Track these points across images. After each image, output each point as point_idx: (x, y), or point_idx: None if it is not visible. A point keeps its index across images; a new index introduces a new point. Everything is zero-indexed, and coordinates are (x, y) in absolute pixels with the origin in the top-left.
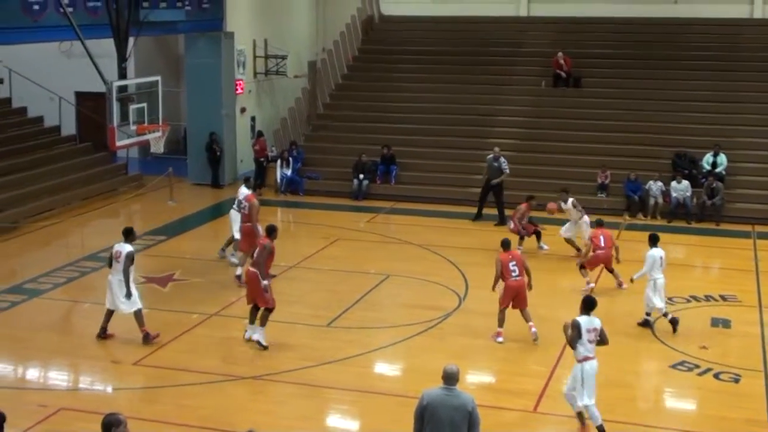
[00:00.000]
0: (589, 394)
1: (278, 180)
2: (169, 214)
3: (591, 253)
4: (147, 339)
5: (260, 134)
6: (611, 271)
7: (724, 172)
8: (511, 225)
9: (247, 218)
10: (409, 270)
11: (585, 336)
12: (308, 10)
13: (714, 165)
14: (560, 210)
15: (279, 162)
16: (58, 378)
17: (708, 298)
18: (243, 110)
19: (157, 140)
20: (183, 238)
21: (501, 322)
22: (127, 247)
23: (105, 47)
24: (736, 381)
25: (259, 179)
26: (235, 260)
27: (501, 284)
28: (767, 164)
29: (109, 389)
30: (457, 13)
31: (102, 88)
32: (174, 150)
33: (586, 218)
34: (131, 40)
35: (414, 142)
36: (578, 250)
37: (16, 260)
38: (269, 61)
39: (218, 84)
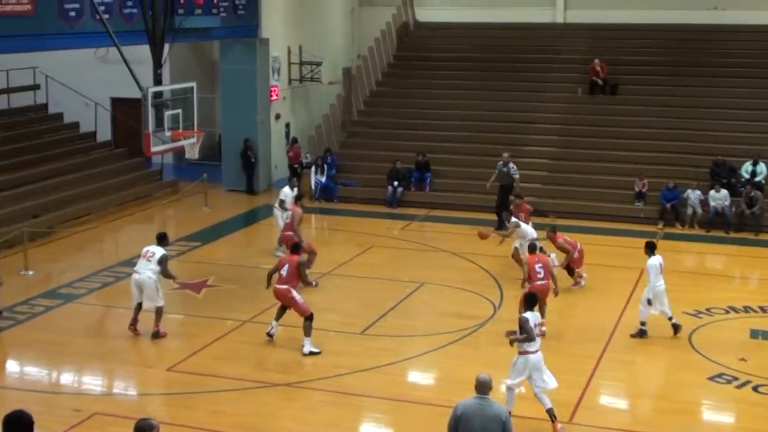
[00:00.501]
0: (514, 377)
1: (312, 187)
2: (203, 220)
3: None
4: (156, 335)
5: (294, 141)
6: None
7: (763, 181)
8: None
9: (289, 227)
10: (444, 278)
11: (534, 330)
12: (343, 17)
13: (753, 174)
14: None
15: (313, 168)
16: (93, 383)
17: (747, 309)
18: (277, 117)
19: (192, 146)
20: (217, 245)
21: None
22: (160, 250)
23: (140, 53)
24: None
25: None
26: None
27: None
28: None
29: (143, 394)
30: (493, 19)
31: (137, 94)
32: (208, 156)
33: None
34: (166, 46)
35: (449, 149)
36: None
37: (51, 265)
38: (304, 67)
39: (253, 90)
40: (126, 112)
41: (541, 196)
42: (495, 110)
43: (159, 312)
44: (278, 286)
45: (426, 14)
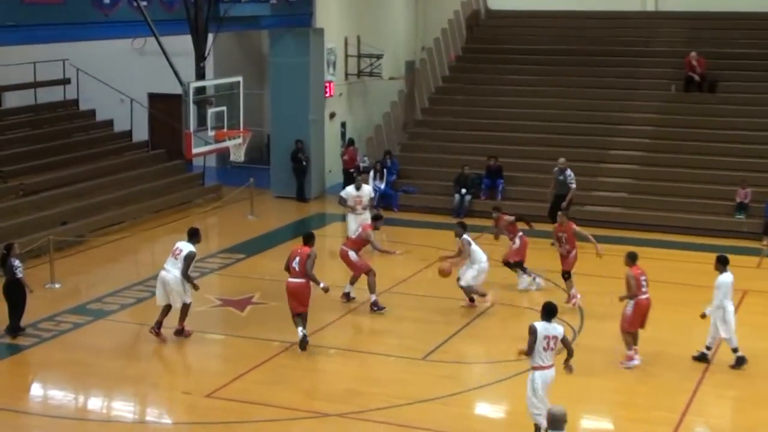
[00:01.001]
0: (536, 405)
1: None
2: (248, 230)
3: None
4: (180, 333)
5: (351, 142)
6: None
7: None
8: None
9: (355, 244)
10: (517, 298)
11: (540, 343)
12: (406, 5)
13: None
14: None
15: (371, 174)
16: (123, 409)
17: None
18: (332, 115)
19: (238, 148)
20: (263, 257)
21: (630, 344)
22: (188, 247)
23: (181, 44)
24: None
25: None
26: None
27: (627, 302)
28: None
29: (179, 423)
30: (575, 7)
31: (177, 90)
32: (255, 159)
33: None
34: (210, 36)
35: (523, 153)
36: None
37: (80, 278)
38: (362, 60)
39: (305, 86)
40: (165, 109)
41: (627, 206)
42: (576, 110)
43: (185, 309)
44: (292, 280)
45: (499, 1)
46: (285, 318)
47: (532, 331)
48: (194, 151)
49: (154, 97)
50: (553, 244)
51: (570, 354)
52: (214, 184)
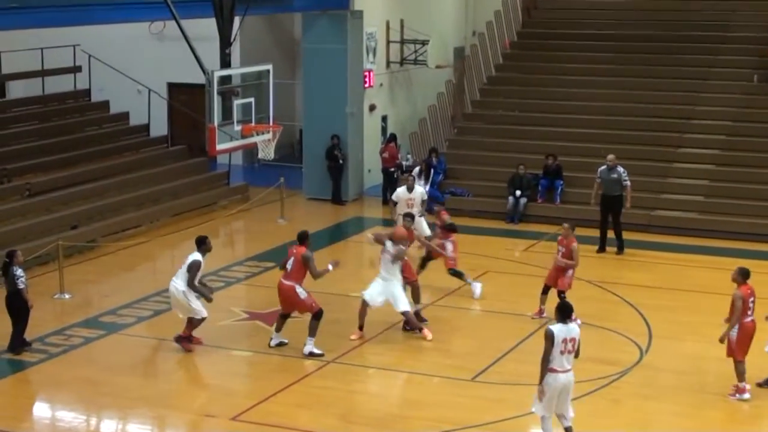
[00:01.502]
0: (545, 408)
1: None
2: (278, 235)
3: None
4: (179, 341)
5: (391, 138)
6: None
7: None
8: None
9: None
10: (578, 312)
11: (558, 347)
12: None
13: None
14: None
15: (416, 173)
16: None
17: None
18: (372, 108)
19: (267, 144)
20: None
21: (742, 374)
22: (193, 256)
23: (205, 29)
24: None
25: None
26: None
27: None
28: None
29: None
30: None
31: (200, 79)
32: (286, 156)
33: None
34: (237, 20)
35: (585, 150)
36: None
37: (92, 288)
38: (406, 47)
39: (342, 75)
40: (186, 101)
41: (701, 211)
42: (644, 103)
43: (195, 322)
44: (284, 281)
45: None
46: (320, 333)
47: (549, 337)
48: (218, 147)
49: (174, 87)
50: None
51: (576, 356)
52: (240, 184)
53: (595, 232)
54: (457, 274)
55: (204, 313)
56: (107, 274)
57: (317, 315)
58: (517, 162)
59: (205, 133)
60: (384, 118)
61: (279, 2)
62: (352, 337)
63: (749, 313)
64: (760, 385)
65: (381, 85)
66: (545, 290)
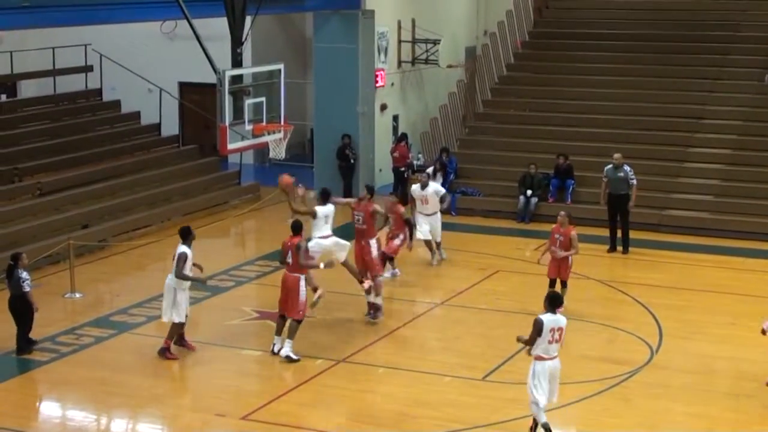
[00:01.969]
0: (540, 392)
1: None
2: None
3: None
4: (163, 353)
5: (402, 138)
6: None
7: None
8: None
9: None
10: (588, 312)
11: (546, 336)
12: None
13: None
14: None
15: (432, 172)
16: (150, 431)
17: None
18: (383, 107)
19: (278, 143)
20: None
21: None
22: (179, 249)
23: (216, 28)
24: None
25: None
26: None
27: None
28: None
29: None
30: None
31: (211, 79)
32: (298, 156)
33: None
34: (248, 19)
35: (596, 150)
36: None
37: (102, 287)
38: (417, 46)
39: (354, 74)
40: (197, 100)
41: (713, 211)
42: (655, 102)
43: (174, 329)
44: (288, 273)
45: None
46: (329, 333)
47: (538, 325)
48: (230, 146)
49: (185, 87)
50: (537, 248)
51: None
52: (251, 183)
53: (606, 232)
54: (390, 259)
55: (182, 317)
56: (118, 274)
57: (300, 320)
58: (528, 161)
59: (216, 132)
60: (395, 118)
61: (290, 2)
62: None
63: None
64: None
65: (392, 84)
66: (552, 284)
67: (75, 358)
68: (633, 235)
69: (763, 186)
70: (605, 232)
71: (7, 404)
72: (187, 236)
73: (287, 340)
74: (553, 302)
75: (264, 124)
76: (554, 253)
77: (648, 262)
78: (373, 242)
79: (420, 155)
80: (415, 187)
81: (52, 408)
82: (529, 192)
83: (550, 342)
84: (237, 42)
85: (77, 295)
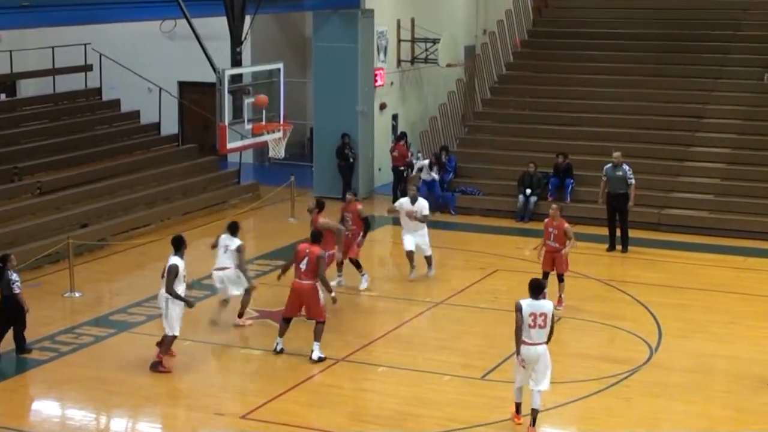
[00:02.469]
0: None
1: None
2: (289, 233)
3: None
4: (155, 367)
5: (401, 137)
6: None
7: None
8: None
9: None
10: (588, 311)
11: (526, 320)
12: None
13: None
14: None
15: (428, 165)
16: (149, 431)
17: None
18: (383, 106)
19: (277, 142)
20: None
21: None
22: (170, 260)
23: (216, 27)
24: None
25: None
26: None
27: None
28: None
29: None
30: None
31: (211, 78)
32: (297, 155)
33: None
34: (248, 18)
35: (596, 149)
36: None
37: (102, 286)
38: (417, 45)
39: (353, 74)
40: (197, 99)
41: (712, 210)
42: (656, 101)
43: (168, 341)
44: (303, 282)
45: None
46: (330, 331)
47: (518, 309)
48: (229, 145)
49: (184, 86)
50: (535, 248)
51: (550, 335)
52: (251, 182)
53: (606, 231)
54: (357, 264)
55: (176, 330)
56: (117, 273)
57: (324, 321)
58: (528, 160)
59: (216, 131)
60: (395, 117)
61: (290, 1)
62: None
63: None
64: None
65: (392, 83)
66: (545, 276)
67: (74, 357)
68: (633, 234)
69: (763, 185)
70: (604, 231)
71: (7, 403)
72: (179, 246)
73: (315, 343)
74: (534, 288)
75: (263, 123)
76: (550, 246)
77: (648, 261)
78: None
79: (419, 154)
80: (405, 201)
81: (52, 407)
82: (528, 191)
83: (531, 326)
84: (236, 41)
85: (77, 294)
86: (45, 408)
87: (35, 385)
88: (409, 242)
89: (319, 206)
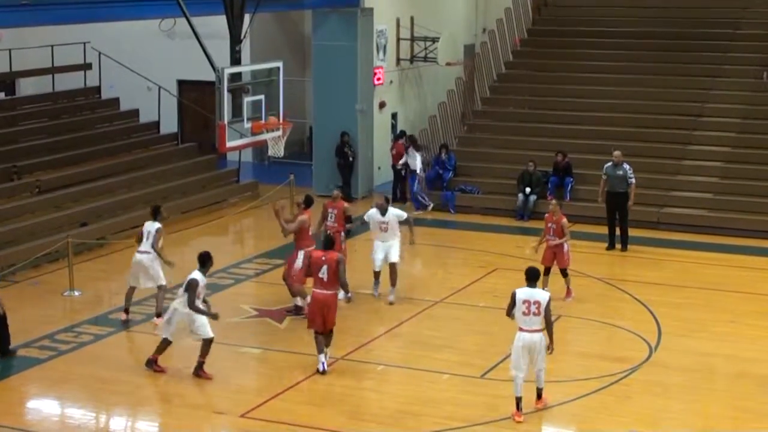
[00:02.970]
0: (514, 365)
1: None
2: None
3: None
4: (150, 365)
5: (400, 135)
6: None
7: None
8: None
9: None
10: (587, 310)
11: (520, 307)
12: None
13: None
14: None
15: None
16: (149, 430)
17: None
18: (382, 105)
19: (277, 141)
20: None
21: None
22: (191, 275)
23: (215, 26)
24: None
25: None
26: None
27: None
28: None
29: None
30: None
31: (210, 76)
32: (296, 153)
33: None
34: (247, 17)
35: (595, 148)
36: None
37: (101, 284)
38: (416, 44)
39: (352, 72)
40: (196, 98)
41: (711, 208)
42: (654, 100)
43: (206, 346)
44: (324, 292)
45: None
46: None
47: (511, 296)
48: (228, 144)
49: (184, 85)
50: (539, 244)
51: (548, 329)
52: (250, 181)
53: (605, 230)
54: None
55: (210, 333)
56: (117, 272)
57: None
58: (527, 159)
59: (215, 130)
60: (394, 116)
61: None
62: None
63: None
64: None
65: (391, 82)
66: (546, 272)
67: (74, 355)
68: (632, 232)
69: (762, 184)
70: (604, 230)
71: (6, 402)
72: (205, 263)
73: (327, 349)
74: (530, 276)
75: (263, 121)
76: (550, 241)
77: (647, 260)
78: (301, 253)
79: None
80: (373, 212)
81: (51, 406)
82: (527, 190)
83: (524, 314)
84: (236, 40)
85: (76, 293)
86: (44, 407)
87: (34, 384)
88: (377, 261)
89: (306, 202)
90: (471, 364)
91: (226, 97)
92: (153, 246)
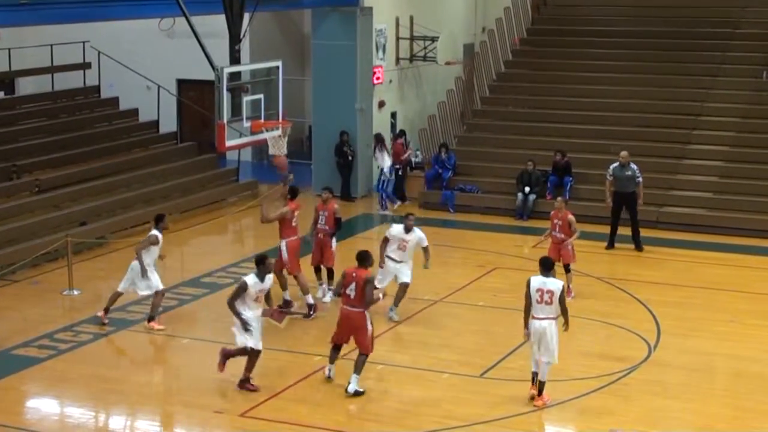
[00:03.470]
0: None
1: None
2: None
3: None
4: (243, 384)
5: (399, 134)
6: None
7: None
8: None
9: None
10: (587, 309)
11: (533, 295)
12: None
13: None
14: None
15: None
16: (148, 429)
17: None
18: (382, 104)
19: (276, 140)
20: (304, 263)
21: None
22: (246, 277)
23: (214, 25)
24: None
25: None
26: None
27: None
28: None
29: None
30: None
31: (209, 76)
32: (296, 153)
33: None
34: (246, 16)
35: (595, 147)
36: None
37: (101, 284)
38: (415, 43)
39: (352, 71)
40: (195, 97)
41: (711, 208)
42: (654, 99)
43: (254, 356)
44: (351, 309)
45: None
46: (329, 330)
47: (527, 284)
48: (228, 143)
49: (183, 84)
50: (544, 239)
51: (564, 314)
52: (249, 180)
53: (604, 229)
54: (331, 274)
55: (250, 342)
56: (116, 271)
57: (367, 354)
58: (527, 158)
59: (215, 129)
60: (393, 115)
61: None
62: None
63: None
64: None
65: (390, 81)
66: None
67: (73, 355)
68: (629, 231)
69: (762, 183)
70: (603, 230)
71: (6, 401)
72: (260, 265)
73: (355, 375)
74: (544, 265)
75: (262, 120)
76: (555, 237)
77: (646, 259)
78: (283, 243)
79: (418, 152)
80: (398, 229)
81: (51, 405)
82: (527, 189)
83: (538, 302)
84: (235, 39)
85: (75, 292)
86: (43, 406)
87: (34, 383)
88: (384, 280)
89: (292, 194)
90: (470, 364)
91: (226, 97)
92: (137, 250)
